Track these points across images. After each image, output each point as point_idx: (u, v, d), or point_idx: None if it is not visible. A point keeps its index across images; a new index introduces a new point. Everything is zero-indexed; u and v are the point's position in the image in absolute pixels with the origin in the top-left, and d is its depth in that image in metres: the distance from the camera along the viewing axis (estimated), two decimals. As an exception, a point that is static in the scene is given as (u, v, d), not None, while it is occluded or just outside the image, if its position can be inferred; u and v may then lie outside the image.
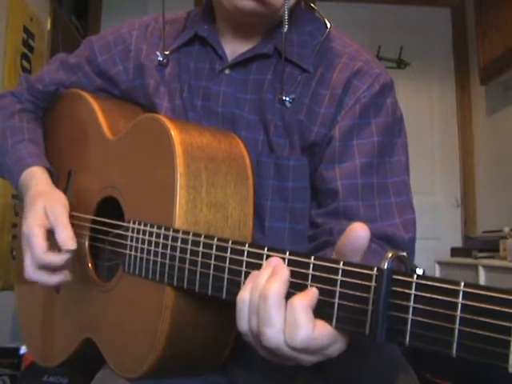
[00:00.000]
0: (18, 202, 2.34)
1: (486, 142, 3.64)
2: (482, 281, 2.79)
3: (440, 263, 3.37)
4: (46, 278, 0.89)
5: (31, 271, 0.89)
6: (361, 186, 0.87)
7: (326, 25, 0.99)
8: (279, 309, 0.56)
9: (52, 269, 0.89)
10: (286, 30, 0.88)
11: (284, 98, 0.91)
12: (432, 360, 2.09)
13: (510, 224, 2.92)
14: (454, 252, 3.34)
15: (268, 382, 0.92)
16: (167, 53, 1.01)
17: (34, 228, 0.88)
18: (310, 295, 0.56)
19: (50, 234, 0.89)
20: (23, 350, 2.05)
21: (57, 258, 0.87)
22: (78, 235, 0.96)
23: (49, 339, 1.05)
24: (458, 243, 3.70)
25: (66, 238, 0.87)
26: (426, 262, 3.22)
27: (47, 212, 0.90)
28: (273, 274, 0.58)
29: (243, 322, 0.60)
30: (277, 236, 0.92)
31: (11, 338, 2.32)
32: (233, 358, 0.87)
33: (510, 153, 3.29)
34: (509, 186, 3.27)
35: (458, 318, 0.46)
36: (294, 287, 0.58)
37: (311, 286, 0.57)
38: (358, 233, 0.55)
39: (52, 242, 0.89)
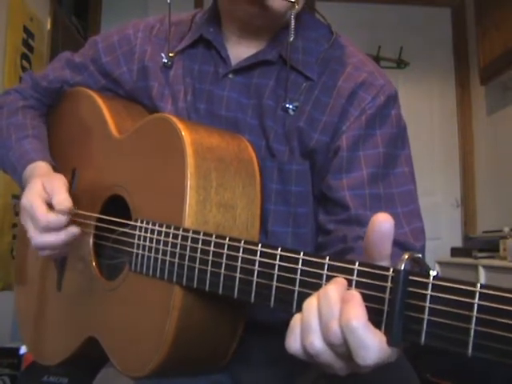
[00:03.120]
0: (18, 202, 2.33)
1: (485, 142, 3.65)
2: (482, 281, 2.80)
3: (440, 263, 3.37)
4: (55, 237, 0.90)
5: (38, 237, 0.90)
6: (368, 196, 0.87)
7: (331, 32, 0.99)
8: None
9: (57, 229, 0.90)
10: (291, 39, 0.88)
11: (287, 105, 0.92)
12: (432, 360, 2.10)
13: (510, 224, 2.93)
14: (454, 252, 3.35)
15: (270, 378, 0.93)
16: (172, 55, 1.02)
17: (33, 197, 0.90)
18: (361, 305, 0.53)
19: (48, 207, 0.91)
20: (23, 349, 2.05)
21: (57, 219, 0.89)
22: (82, 233, 0.96)
23: (49, 338, 1.05)
24: (458, 243, 3.71)
25: (62, 199, 0.89)
26: (427, 262, 3.22)
27: (45, 185, 0.91)
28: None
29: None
30: (279, 240, 0.92)
31: (11, 338, 2.32)
32: (235, 356, 0.87)
33: (510, 153, 3.30)
34: (509, 186, 3.28)
35: (474, 318, 0.46)
36: (309, 287, 0.58)
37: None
38: (381, 220, 0.54)
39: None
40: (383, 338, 0.52)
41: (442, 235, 3.72)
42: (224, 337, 0.84)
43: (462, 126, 3.85)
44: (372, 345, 0.51)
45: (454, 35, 3.95)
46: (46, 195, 0.90)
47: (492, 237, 3.09)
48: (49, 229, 0.89)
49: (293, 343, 0.56)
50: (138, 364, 0.81)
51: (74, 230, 0.92)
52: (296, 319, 0.57)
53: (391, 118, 0.91)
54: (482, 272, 2.85)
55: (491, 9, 3.32)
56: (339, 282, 0.56)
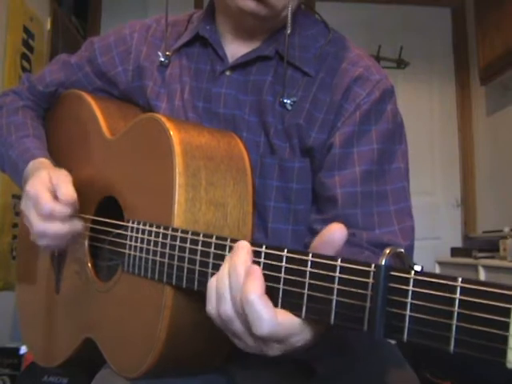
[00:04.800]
0: (18, 202, 2.34)
1: (485, 142, 3.64)
2: (482, 281, 2.79)
3: (440, 263, 3.37)
4: (58, 227, 0.88)
5: (40, 224, 0.88)
6: (360, 194, 0.87)
7: (327, 29, 0.99)
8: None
9: (61, 219, 0.88)
10: (289, 31, 0.88)
11: (285, 100, 0.91)
12: (432, 360, 2.09)
13: (510, 224, 2.92)
14: (454, 252, 3.34)
15: (266, 378, 0.92)
16: (168, 53, 1.02)
17: (39, 185, 0.88)
18: (259, 279, 0.59)
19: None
20: (23, 349, 2.05)
21: (62, 208, 0.88)
22: (77, 235, 0.96)
23: (49, 339, 1.05)
24: (458, 243, 3.70)
25: (67, 191, 0.87)
26: (426, 262, 3.19)
27: (51, 176, 0.90)
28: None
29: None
30: (279, 237, 0.92)
31: (11, 338, 2.32)
32: (231, 356, 0.86)
33: (510, 153, 3.29)
34: (509, 186, 3.27)
35: (455, 313, 0.46)
36: (291, 284, 0.58)
37: (309, 283, 0.57)
38: (333, 231, 0.58)
39: None
40: (279, 312, 0.58)
41: (441, 235, 3.71)
42: (219, 338, 0.83)
43: (462, 126, 3.83)
44: (266, 317, 0.57)
45: (453, 35, 3.93)
46: (50, 186, 0.89)
47: (492, 237, 3.08)
48: (52, 217, 0.87)
49: (211, 310, 0.64)
50: (132, 365, 0.81)
51: (77, 224, 0.91)
52: (211, 287, 0.64)
53: (387, 114, 0.90)
54: (481, 272, 2.84)
55: (491, 9, 3.31)
56: (246, 256, 0.61)
